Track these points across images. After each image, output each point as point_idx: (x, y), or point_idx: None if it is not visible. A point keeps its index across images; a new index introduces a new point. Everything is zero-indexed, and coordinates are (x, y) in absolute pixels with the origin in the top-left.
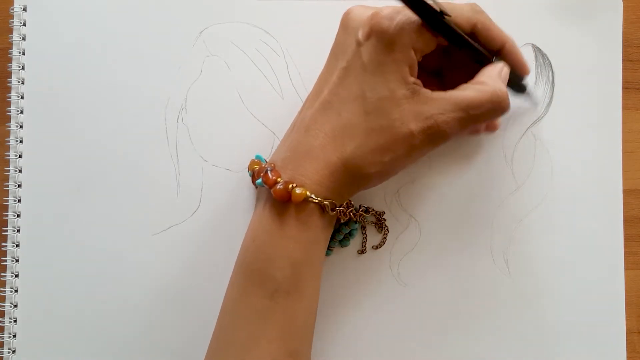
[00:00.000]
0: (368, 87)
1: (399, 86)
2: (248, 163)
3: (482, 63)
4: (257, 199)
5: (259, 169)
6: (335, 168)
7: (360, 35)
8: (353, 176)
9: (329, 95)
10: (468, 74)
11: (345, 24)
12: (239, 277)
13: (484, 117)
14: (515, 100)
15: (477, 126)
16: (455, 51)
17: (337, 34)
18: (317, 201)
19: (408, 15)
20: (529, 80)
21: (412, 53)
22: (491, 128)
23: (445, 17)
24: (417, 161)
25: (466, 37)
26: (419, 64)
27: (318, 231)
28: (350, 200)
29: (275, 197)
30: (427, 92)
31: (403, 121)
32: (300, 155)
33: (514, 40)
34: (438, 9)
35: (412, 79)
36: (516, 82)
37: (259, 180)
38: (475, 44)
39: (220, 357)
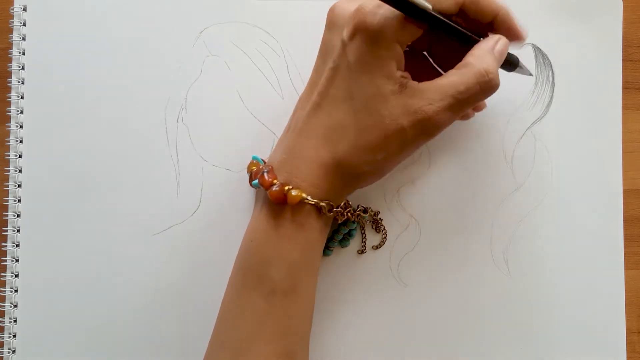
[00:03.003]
0: (356, 87)
1: (385, 82)
2: (248, 163)
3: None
4: (256, 200)
5: (256, 170)
6: (329, 169)
7: (345, 34)
8: (347, 176)
9: (318, 97)
10: (459, 49)
11: (330, 21)
12: (237, 278)
13: (474, 99)
14: (516, 100)
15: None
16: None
17: (324, 33)
18: (313, 203)
19: (389, 8)
20: (521, 55)
21: (398, 47)
22: (478, 108)
23: (425, 8)
24: (412, 155)
25: (450, 23)
26: (409, 46)
27: (315, 232)
28: (348, 201)
29: (271, 199)
30: (414, 84)
31: (393, 117)
32: (295, 157)
33: (507, 7)
34: (417, 2)
35: (400, 73)
36: (505, 60)
37: (255, 182)
38: (460, 28)
39: (217, 356)
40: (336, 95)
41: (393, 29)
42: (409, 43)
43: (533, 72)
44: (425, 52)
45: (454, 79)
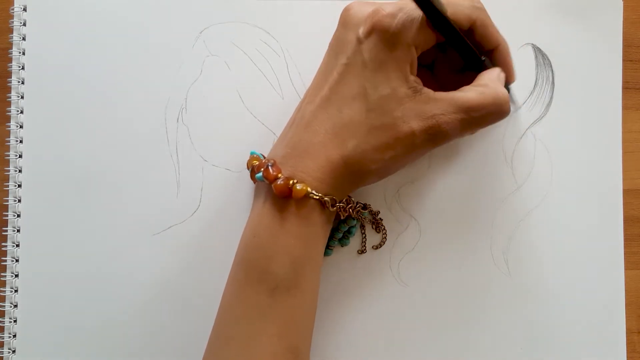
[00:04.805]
0: (370, 85)
1: (400, 84)
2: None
3: (473, 66)
4: (256, 196)
5: (259, 164)
6: (335, 165)
7: (361, 32)
8: (353, 173)
9: (329, 92)
10: (458, 73)
11: (345, 20)
12: (239, 274)
13: (485, 120)
14: (516, 100)
15: None
16: (449, 48)
17: (337, 30)
18: (317, 197)
19: (409, 13)
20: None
21: (413, 51)
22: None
23: (443, 12)
24: (416, 160)
25: (463, 35)
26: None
27: (318, 227)
28: (349, 197)
29: (276, 193)
30: (429, 91)
31: (405, 120)
32: (300, 152)
33: (508, 45)
34: (436, 3)
35: (413, 77)
36: None
37: (259, 175)
38: (470, 43)
39: (220, 352)
40: (348, 91)
41: (410, 32)
42: (423, 49)
43: (532, 76)
44: (425, 65)
45: (471, 96)
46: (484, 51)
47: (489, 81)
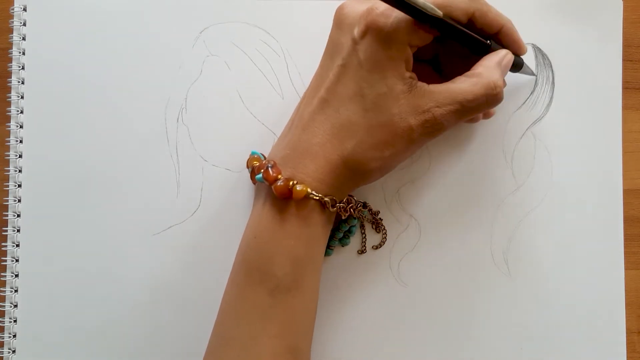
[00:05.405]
0: (366, 85)
1: (396, 82)
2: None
3: (480, 53)
4: (256, 196)
5: (259, 165)
6: (335, 165)
7: (356, 33)
8: (353, 172)
9: (326, 93)
10: (464, 60)
11: (339, 20)
12: (240, 274)
13: (479, 108)
14: (516, 100)
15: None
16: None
17: (331, 31)
18: (317, 198)
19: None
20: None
21: (408, 49)
22: (487, 115)
23: (436, 16)
24: (414, 153)
25: (461, 28)
26: (414, 54)
27: (318, 228)
28: (351, 196)
29: (276, 194)
30: (423, 85)
31: (402, 116)
32: (299, 153)
33: (511, 21)
34: (428, 9)
35: (408, 74)
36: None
37: (259, 176)
38: (471, 33)
39: (220, 353)
40: (345, 92)
41: (405, 31)
42: (420, 46)
43: (534, 71)
44: (427, 59)
45: (463, 87)
46: (488, 35)
47: (484, 68)
